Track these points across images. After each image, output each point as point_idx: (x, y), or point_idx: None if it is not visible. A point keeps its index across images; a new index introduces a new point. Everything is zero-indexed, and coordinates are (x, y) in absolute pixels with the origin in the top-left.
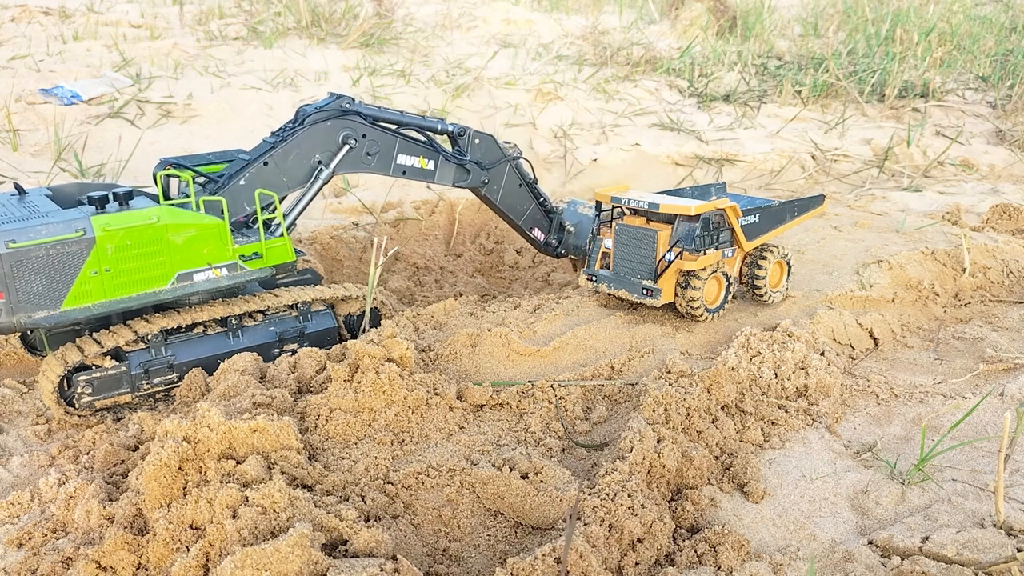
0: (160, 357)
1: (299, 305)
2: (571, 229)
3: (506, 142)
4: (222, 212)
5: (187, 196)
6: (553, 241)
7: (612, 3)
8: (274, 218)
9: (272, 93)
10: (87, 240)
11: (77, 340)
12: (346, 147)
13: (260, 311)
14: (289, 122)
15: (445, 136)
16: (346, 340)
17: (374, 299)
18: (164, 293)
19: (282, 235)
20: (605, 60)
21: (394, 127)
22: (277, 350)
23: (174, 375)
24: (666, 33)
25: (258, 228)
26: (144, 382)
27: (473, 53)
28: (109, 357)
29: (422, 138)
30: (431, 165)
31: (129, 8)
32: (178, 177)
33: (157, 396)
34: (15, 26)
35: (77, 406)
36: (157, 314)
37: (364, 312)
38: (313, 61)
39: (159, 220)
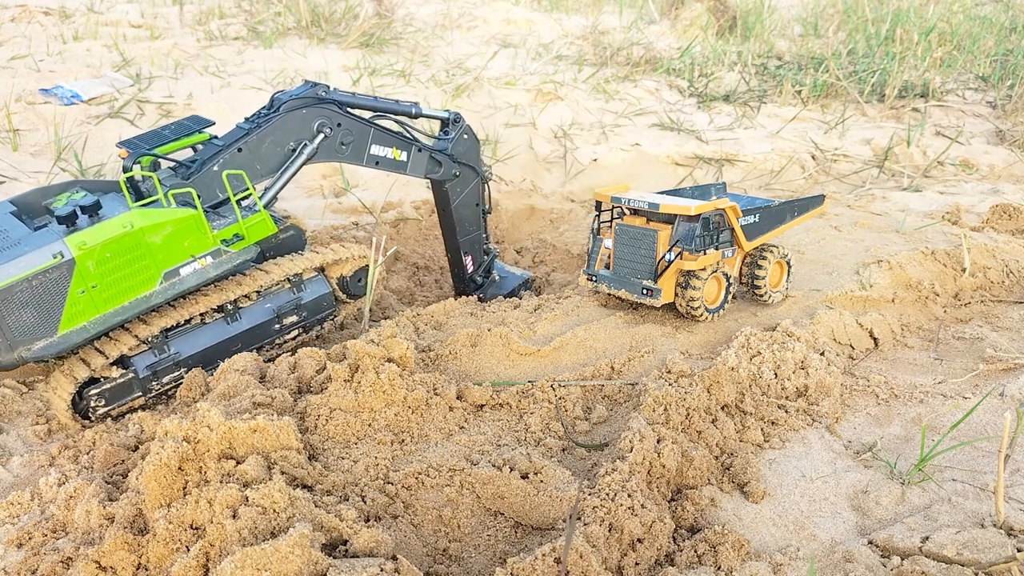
0: (165, 356)
1: (291, 277)
2: (496, 278)
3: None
4: (194, 202)
5: (160, 183)
6: (478, 278)
7: (612, 3)
8: (248, 195)
9: (272, 93)
10: (66, 263)
11: (80, 353)
12: (321, 135)
13: (253, 291)
14: (263, 108)
15: (437, 122)
16: (342, 302)
17: (364, 258)
18: (156, 296)
19: (259, 211)
20: (605, 60)
21: (369, 115)
22: (277, 325)
23: (182, 371)
24: (666, 33)
25: (233, 208)
26: (154, 383)
27: (473, 53)
28: (115, 366)
29: (397, 127)
30: (404, 156)
31: (129, 8)
32: (140, 166)
33: (169, 393)
34: (15, 26)
35: (93, 418)
36: (154, 314)
37: (355, 272)
38: (313, 61)
39: (133, 226)
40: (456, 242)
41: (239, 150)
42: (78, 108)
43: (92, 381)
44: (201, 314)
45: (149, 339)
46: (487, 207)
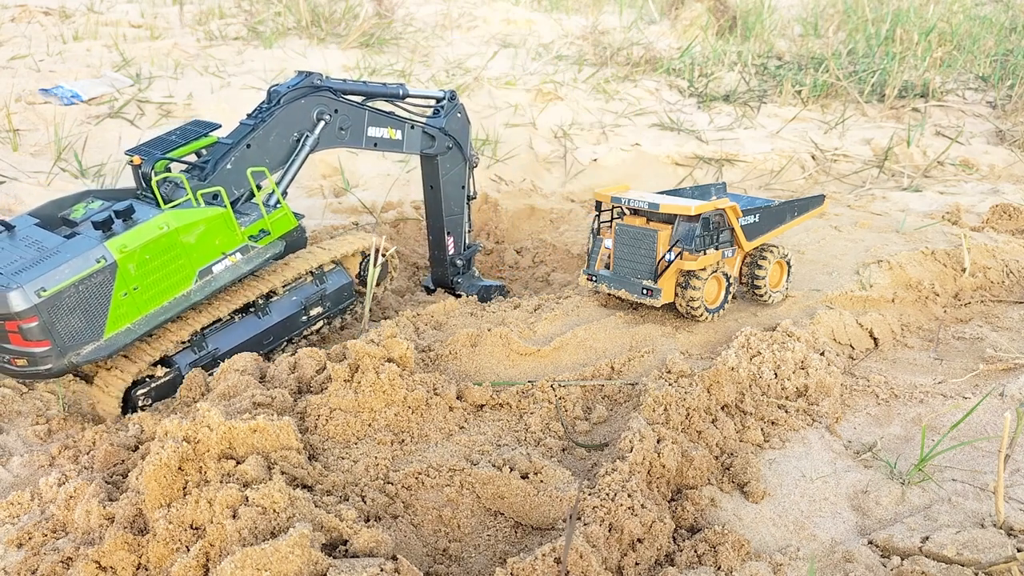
0: (205, 352)
1: (313, 270)
2: (476, 273)
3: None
4: (222, 201)
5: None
6: (459, 262)
7: (612, 3)
8: (272, 192)
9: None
10: (109, 267)
11: (124, 356)
12: (321, 123)
13: (279, 286)
14: (263, 103)
15: (431, 102)
16: (360, 291)
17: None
18: (194, 294)
19: (280, 206)
20: (605, 60)
21: (361, 99)
22: (304, 317)
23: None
24: (666, 33)
25: (255, 205)
26: None
27: (473, 53)
28: (159, 366)
29: (389, 108)
30: (399, 135)
31: (129, 8)
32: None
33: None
34: (15, 26)
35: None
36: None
37: (372, 263)
38: (313, 61)
39: (169, 227)
40: (441, 221)
41: (248, 146)
42: (78, 108)
43: (138, 381)
44: (234, 312)
45: (188, 338)
46: (472, 192)
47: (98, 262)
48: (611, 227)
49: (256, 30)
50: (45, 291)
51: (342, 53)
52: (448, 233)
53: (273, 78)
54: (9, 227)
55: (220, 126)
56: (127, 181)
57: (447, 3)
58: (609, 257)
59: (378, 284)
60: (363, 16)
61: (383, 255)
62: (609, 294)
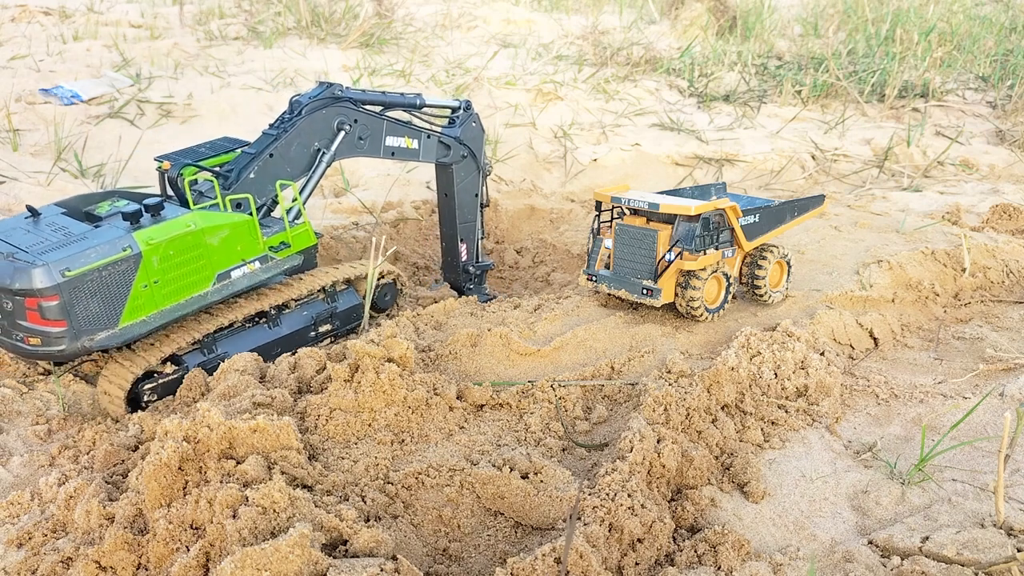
0: (213, 355)
1: (326, 288)
2: (487, 288)
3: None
4: (248, 208)
5: (201, 194)
6: (471, 268)
7: (612, 3)
8: (294, 206)
9: (272, 93)
10: (134, 256)
11: (134, 350)
12: (341, 133)
13: (292, 299)
14: (285, 113)
15: (444, 111)
16: (372, 314)
17: (390, 273)
18: (210, 295)
19: (302, 220)
20: (605, 60)
21: (379, 109)
22: (313, 333)
23: None
24: (666, 33)
25: (278, 218)
26: None
27: (473, 53)
28: (168, 363)
29: (406, 118)
30: (415, 144)
31: (129, 8)
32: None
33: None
34: (15, 26)
35: (146, 410)
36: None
37: (387, 284)
38: (313, 61)
39: (196, 225)
40: (454, 228)
41: (270, 155)
42: (78, 108)
43: (146, 376)
44: (246, 320)
45: (199, 339)
46: (485, 200)
47: (124, 251)
48: (611, 227)
49: (256, 30)
50: (70, 271)
51: (342, 53)
52: (461, 240)
53: (273, 78)
54: (35, 213)
55: (248, 143)
56: (127, 181)
57: (447, 3)
58: (609, 257)
59: (386, 310)
60: (363, 16)
61: (388, 276)
62: (609, 294)
